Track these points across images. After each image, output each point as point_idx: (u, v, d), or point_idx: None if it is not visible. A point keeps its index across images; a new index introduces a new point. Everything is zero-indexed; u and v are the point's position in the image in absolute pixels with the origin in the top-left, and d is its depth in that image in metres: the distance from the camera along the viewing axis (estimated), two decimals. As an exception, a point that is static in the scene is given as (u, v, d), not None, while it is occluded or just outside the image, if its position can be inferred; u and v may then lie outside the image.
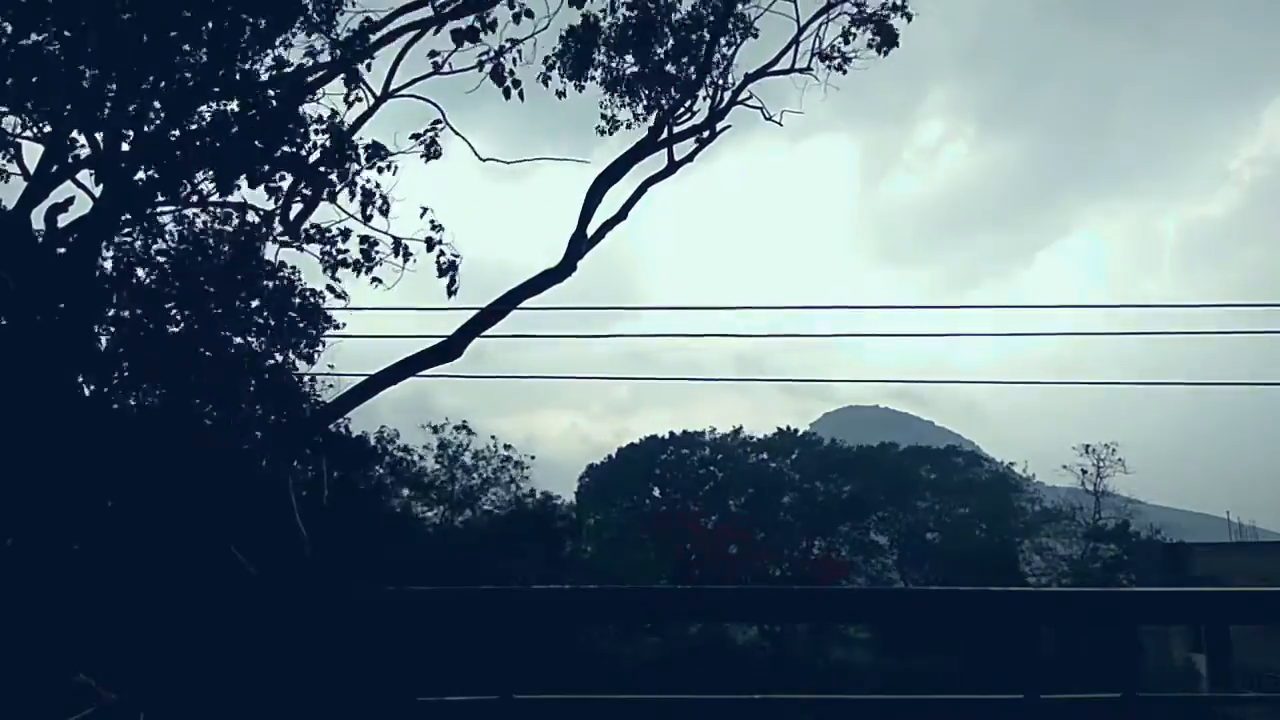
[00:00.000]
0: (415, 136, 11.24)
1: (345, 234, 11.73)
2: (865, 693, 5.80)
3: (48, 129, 10.51)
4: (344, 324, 13.42)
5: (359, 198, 11.17)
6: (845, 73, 14.21)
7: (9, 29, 9.18)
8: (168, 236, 12.82)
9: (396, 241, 11.76)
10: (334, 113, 11.12)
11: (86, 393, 11.97)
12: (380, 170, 11.08)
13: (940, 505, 58.08)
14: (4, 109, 10.01)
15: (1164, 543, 37.60)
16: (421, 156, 11.34)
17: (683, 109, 14.48)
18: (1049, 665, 4.26)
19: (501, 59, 11.03)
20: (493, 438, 39.45)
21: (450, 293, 11.94)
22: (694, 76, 14.08)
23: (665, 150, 14.59)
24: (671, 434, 73.23)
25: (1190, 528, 45.35)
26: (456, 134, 12.08)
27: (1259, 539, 39.56)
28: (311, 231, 12.10)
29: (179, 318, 12.76)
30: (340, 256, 12.05)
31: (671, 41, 13.82)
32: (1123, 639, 6.05)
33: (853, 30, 13.97)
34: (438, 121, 11.36)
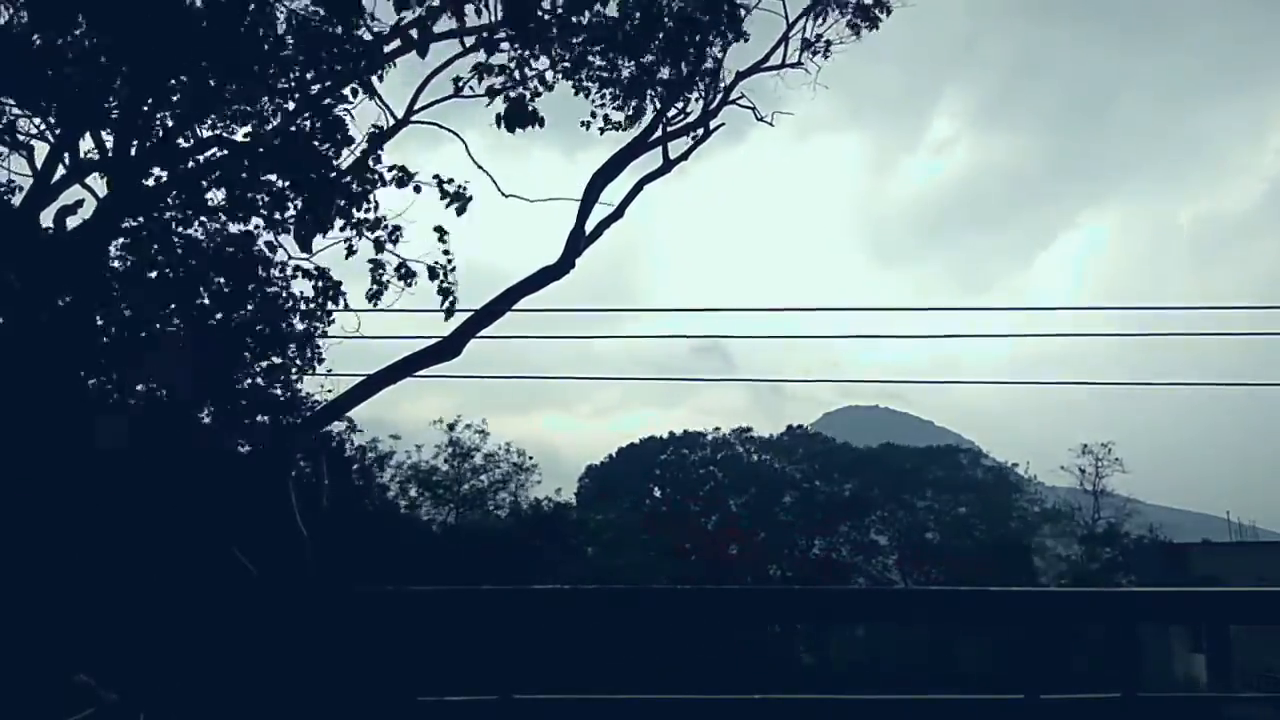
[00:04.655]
0: (438, 178, 11.50)
1: (351, 251, 11.79)
2: (866, 692, 5.79)
3: (57, 129, 10.51)
4: (332, 321, 13.44)
5: (370, 227, 11.45)
6: (828, 56, 14.38)
7: (23, 28, 9.20)
8: (174, 238, 12.80)
9: (401, 265, 12.02)
10: (378, 131, 11.25)
11: (89, 392, 11.98)
12: (400, 185, 11.25)
13: (940, 505, 58.13)
14: (15, 109, 10.02)
15: (1163, 542, 37.61)
16: (458, 211, 11.59)
17: (675, 109, 14.51)
18: (1049, 665, 4.26)
19: (524, 90, 11.28)
20: (508, 443, 39.76)
21: (448, 316, 12.22)
22: (684, 76, 14.10)
23: (660, 148, 14.61)
24: (672, 434, 73.37)
25: (1190, 528, 45.40)
26: (479, 168, 12.20)
27: (1259, 539, 39.58)
28: (322, 269, 12.25)
29: (178, 319, 12.75)
30: (337, 293, 12.26)
31: (663, 43, 13.85)
32: (1123, 639, 6.03)
33: (832, 14, 14.13)
34: (464, 191, 11.62)
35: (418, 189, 11.35)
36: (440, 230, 11.88)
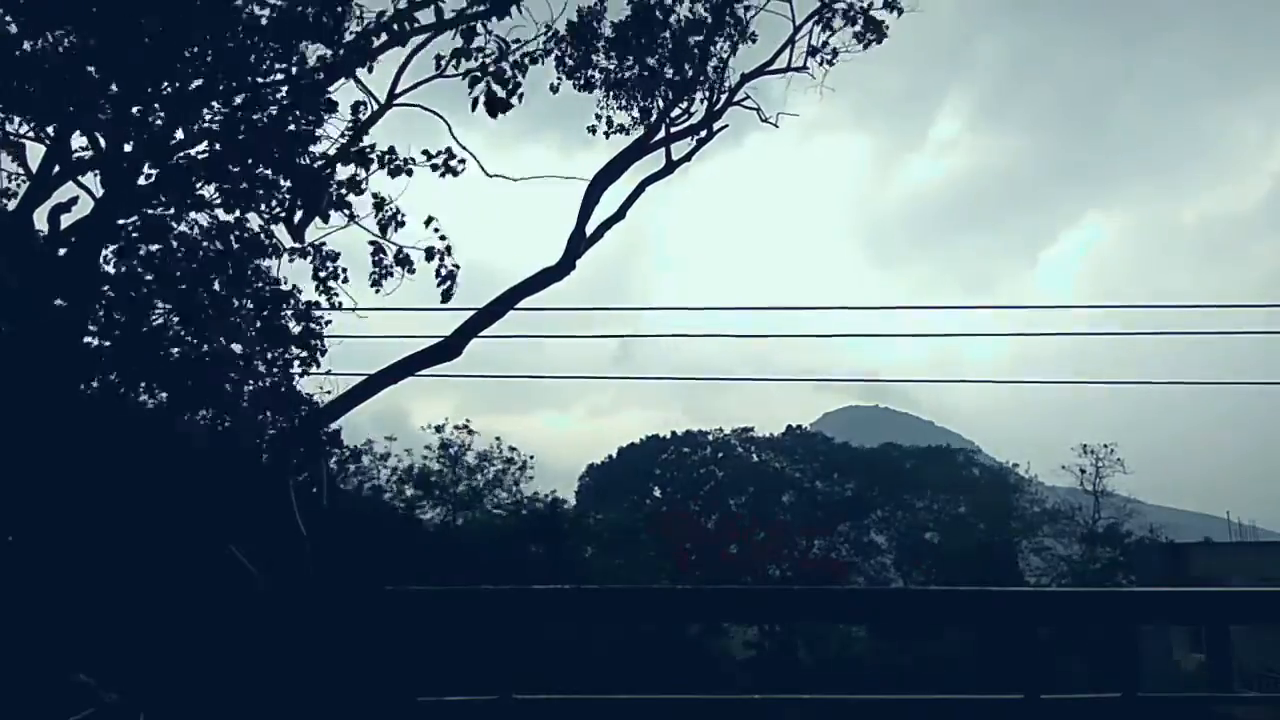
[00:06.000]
0: (428, 154, 11.48)
1: (351, 219, 11.77)
2: (866, 692, 5.78)
3: (50, 131, 10.48)
4: (329, 321, 13.44)
5: (370, 209, 11.42)
6: (833, 64, 14.36)
7: (15, 31, 9.18)
8: (168, 237, 12.76)
9: (400, 252, 11.99)
10: (357, 105, 11.21)
11: (88, 392, 11.96)
12: (393, 175, 11.23)
13: (939, 505, 58.17)
14: (3, 111, 10.00)
15: (1162, 542, 37.60)
16: (439, 174, 11.57)
17: (679, 110, 14.49)
18: (1049, 665, 4.28)
19: (502, 64, 11.13)
20: (497, 439, 39.50)
21: (445, 298, 12.14)
22: (689, 78, 14.10)
23: (663, 149, 14.58)
24: (673, 433, 73.45)
25: (1190, 528, 45.39)
26: (463, 148, 12.20)
27: (1259, 539, 39.55)
28: (317, 244, 12.20)
29: (174, 319, 12.72)
30: (336, 269, 12.22)
31: (670, 46, 13.84)
32: (1123, 639, 6.04)
33: (838, 23, 14.11)
34: (451, 153, 11.61)
35: (409, 172, 11.26)
36: (430, 219, 11.87)
